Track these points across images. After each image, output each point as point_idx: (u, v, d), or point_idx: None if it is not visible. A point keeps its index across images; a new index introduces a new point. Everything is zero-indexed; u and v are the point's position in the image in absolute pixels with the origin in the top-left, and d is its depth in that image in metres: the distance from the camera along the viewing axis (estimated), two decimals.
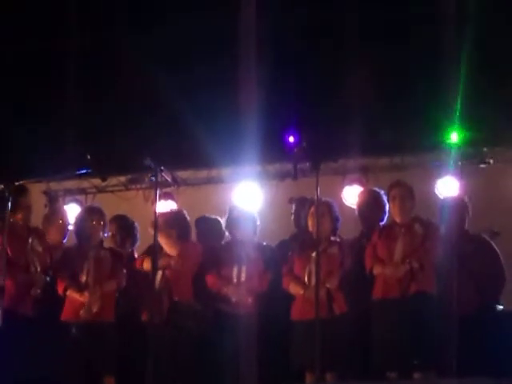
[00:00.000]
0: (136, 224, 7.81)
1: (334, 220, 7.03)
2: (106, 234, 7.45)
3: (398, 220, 6.90)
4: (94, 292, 7.01)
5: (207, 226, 7.68)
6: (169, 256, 7.12)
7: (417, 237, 6.78)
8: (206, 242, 7.55)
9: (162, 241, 7.08)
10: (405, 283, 6.62)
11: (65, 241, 7.62)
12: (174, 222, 7.26)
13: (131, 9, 8.75)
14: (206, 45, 8.62)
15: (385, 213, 7.23)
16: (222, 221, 7.48)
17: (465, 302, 6.68)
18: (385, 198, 7.23)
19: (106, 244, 7.57)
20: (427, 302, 6.58)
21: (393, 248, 6.76)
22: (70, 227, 7.68)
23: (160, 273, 7.01)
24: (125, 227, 7.77)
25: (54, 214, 7.77)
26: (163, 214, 7.34)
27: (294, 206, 7.58)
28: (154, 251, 6.74)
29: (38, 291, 6.99)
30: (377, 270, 6.75)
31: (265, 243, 7.48)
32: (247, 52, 8.50)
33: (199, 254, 7.28)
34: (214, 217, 7.71)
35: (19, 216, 7.05)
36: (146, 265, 7.06)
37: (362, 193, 7.82)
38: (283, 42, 8.45)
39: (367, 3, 8.34)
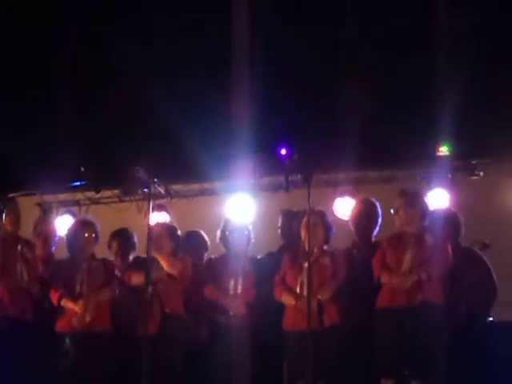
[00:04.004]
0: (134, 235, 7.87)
1: (327, 229, 7.05)
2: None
3: (406, 229, 6.88)
4: (88, 301, 7.05)
5: (194, 239, 7.75)
6: (162, 269, 7.15)
7: (426, 247, 6.75)
8: (192, 255, 7.64)
9: (158, 254, 7.14)
10: (412, 293, 6.62)
11: (52, 249, 7.66)
12: (172, 236, 7.33)
13: (125, 22, 8.79)
14: (199, 58, 8.67)
15: (377, 223, 7.30)
16: (217, 233, 7.54)
17: (455, 314, 6.74)
18: (379, 209, 7.29)
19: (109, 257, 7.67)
20: (432, 311, 6.58)
21: (401, 257, 6.75)
22: (58, 238, 7.75)
23: (151, 286, 7.03)
24: (127, 241, 7.84)
25: (41, 224, 7.81)
26: (158, 227, 7.40)
27: (280, 219, 7.65)
28: (147, 263, 6.77)
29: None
30: (384, 279, 6.75)
31: (259, 257, 7.56)
32: (240, 65, 8.55)
33: (191, 267, 7.33)
34: (197, 230, 7.78)
35: (7, 222, 7.09)
36: (135, 279, 7.09)
37: (358, 202, 7.81)
38: (276, 55, 8.50)
39: (360, 17, 8.39)
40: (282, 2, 8.38)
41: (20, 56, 8.89)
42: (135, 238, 7.81)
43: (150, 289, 6.94)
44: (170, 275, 7.15)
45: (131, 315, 7.01)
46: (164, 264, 7.16)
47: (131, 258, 7.82)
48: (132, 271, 7.21)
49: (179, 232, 7.41)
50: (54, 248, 7.68)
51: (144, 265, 6.90)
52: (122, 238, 7.86)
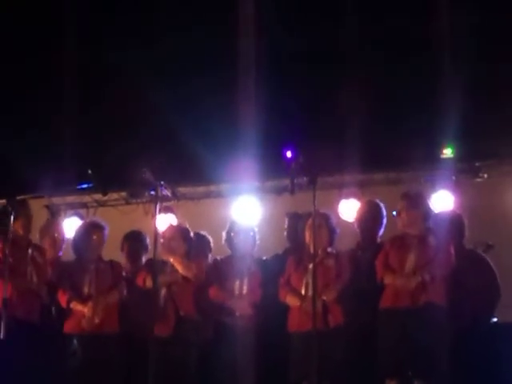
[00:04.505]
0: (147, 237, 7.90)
1: (331, 231, 7.11)
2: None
3: (409, 231, 6.93)
4: (97, 303, 7.10)
5: (197, 241, 7.81)
6: (176, 272, 7.19)
7: (429, 249, 6.80)
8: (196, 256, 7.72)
9: (172, 256, 7.19)
10: (415, 294, 6.66)
11: (60, 254, 7.70)
12: (185, 238, 7.37)
13: (129, 22, 8.83)
14: (205, 60, 8.70)
15: (382, 225, 7.35)
16: (223, 234, 7.59)
17: (459, 315, 6.77)
18: (384, 211, 7.35)
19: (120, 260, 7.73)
20: (435, 313, 6.62)
21: (405, 258, 6.80)
22: (66, 241, 7.77)
23: (164, 288, 7.09)
24: (138, 244, 7.89)
25: (49, 227, 7.83)
26: (172, 229, 7.45)
27: (286, 221, 7.70)
28: (154, 266, 6.82)
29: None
30: (387, 280, 6.80)
31: (265, 258, 7.61)
32: (246, 68, 8.58)
33: (204, 269, 7.39)
34: (202, 233, 7.85)
35: (18, 225, 7.12)
36: (149, 282, 7.05)
37: (363, 204, 7.88)
38: (281, 58, 8.53)
39: (366, 21, 8.42)
40: (285, 3, 8.42)
41: (26, 60, 8.93)
42: (147, 241, 7.85)
43: (163, 291, 7.01)
44: (184, 278, 7.19)
45: (144, 317, 6.97)
46: (179, 267, 7.19)
47: (143, 260, 7.87)
48: (146, 273, 7.19)
49: (192, 234, 7.44)
50: (61, 252, 7.73)
51: (155, 267, 6.92)
52: (134, 240, 7.90)
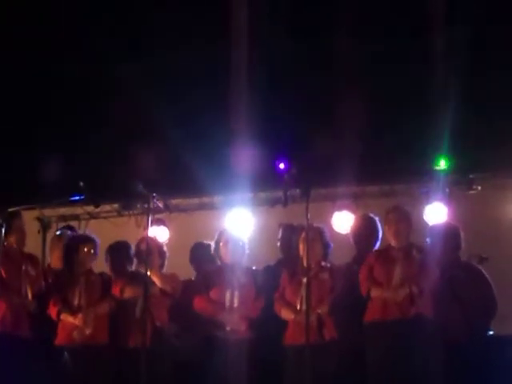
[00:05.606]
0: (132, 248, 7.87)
1: (325, 245, 7.10)
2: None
3: (394, 244, 6.95)
4: (87, 314, 7.09)
5: (202, 251, 7.78)
6: (154, 284, 7.19)
7: (415, 262, 6.83)
8: (200, 267, 7.70)
9: (149, 269, 7.14)
10: (404, 306, 6.67)
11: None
12: (160, 252, 7.41)
13: (126, 38, 8.84)
14: (198, 73, 8.70)
15: (378, 239, 7.34)
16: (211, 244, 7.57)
17: (455, 328, 6.77)
18: (379, 224, 7.34)
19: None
20: (424, 324, 6.62)
21: (391, 271, 6.81)
22: None
23: (141, 298, 7.07)
24: (122, 255, 7.84)
25: (60, 241, 7.81)
26: (150, 242, 7.43)
27: (280, 232, 7.67)
28: (145, 278, 6.81)
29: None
30: (375, 293, 6.80)
31: (254, 267, 7.55)
32: (239, 79, 8.58)
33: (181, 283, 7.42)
34: (207, 242, 7.81)
35: (13, 239, 7.09)
36: (129, 292, 7.15)
37: (357, 218, 7.89)
38: (275, 69, 8.53)
39: (361, 34, 8.44)
40: (282, 15, 8.42)
41: (22, 69, 8.92)
42: (132, 252, 7.81)
43: (140, 303, 6.99)
44: (161, 290, 7.22)
45: (121, 328, 7.10)
46: (156, 279, 7.21)
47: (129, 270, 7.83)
48: (124, 284, 7.25)
49: (165, 249, 7.50)
50: None
51: (138, 279, 7.01)
52: (117, 251, 7.86)
